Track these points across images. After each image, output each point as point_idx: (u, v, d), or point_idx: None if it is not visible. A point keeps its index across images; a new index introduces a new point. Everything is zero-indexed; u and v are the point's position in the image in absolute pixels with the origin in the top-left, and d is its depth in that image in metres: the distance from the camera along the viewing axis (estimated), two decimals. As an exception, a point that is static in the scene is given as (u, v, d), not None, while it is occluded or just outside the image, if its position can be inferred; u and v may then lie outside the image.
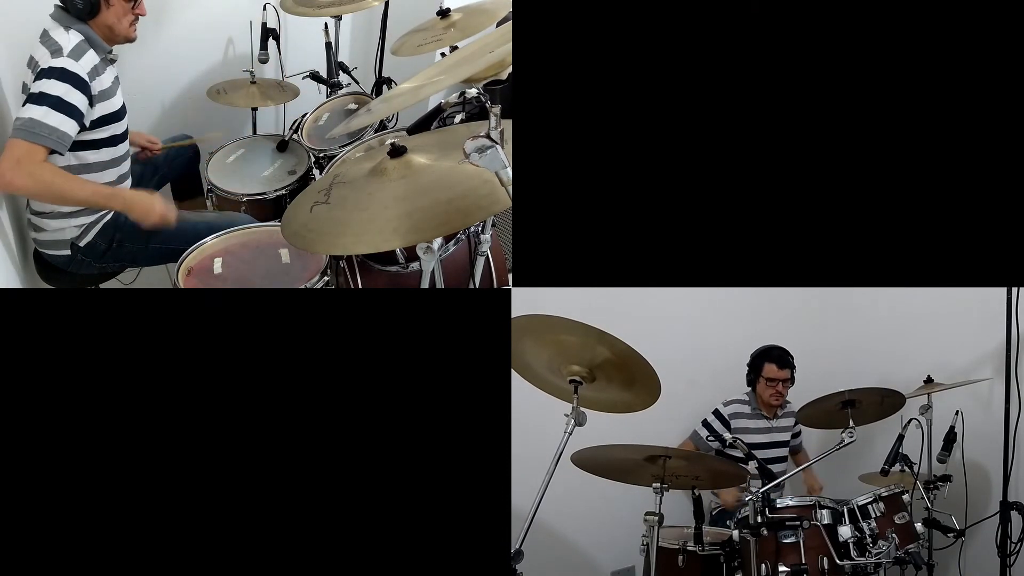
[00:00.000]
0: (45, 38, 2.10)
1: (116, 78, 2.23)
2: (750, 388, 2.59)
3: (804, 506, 1.92)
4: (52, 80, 2.00)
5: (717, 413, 2.54)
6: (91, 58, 2.10)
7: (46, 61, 2.03)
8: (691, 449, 2.46)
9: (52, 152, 2.01)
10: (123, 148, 2.30)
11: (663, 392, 1.64)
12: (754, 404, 2.55)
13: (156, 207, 2.16)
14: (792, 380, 2.53)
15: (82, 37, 2.10)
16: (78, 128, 2.05)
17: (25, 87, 2.11)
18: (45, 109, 1.98)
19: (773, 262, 1.30)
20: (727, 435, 2.40)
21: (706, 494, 2.44)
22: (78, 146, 2.12)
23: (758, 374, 2.54)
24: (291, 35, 3.04)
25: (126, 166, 2.34)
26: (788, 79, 1.27)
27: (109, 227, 2.30)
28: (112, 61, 2.22)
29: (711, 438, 2.49)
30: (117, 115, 2.21)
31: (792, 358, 2.51)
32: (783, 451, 2.55)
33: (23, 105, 2.01)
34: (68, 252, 2.30)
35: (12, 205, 2.34)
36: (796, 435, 2.61)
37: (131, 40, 2.25)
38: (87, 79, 2.06)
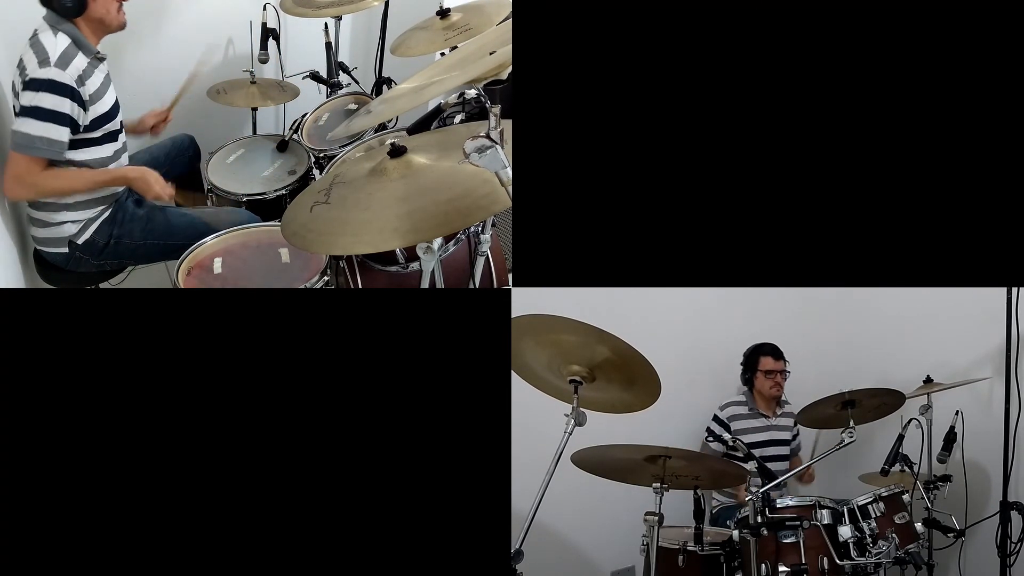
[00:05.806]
0: (34, 41, 2.11)
1: (107, 76, 2.24)
2: (746, 387, 2.60)
3: (804, 506, 1.92)
4: (43, 92, 2.06)
5: (716, 418, 2.55)
6: (79, 63, 2.11)
7: (34, 70, 2.06)
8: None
9: (51, 162, 2.12)
10: (120, 142, 2.32)
11: (663, 392, 1.64)
12: (751, 403, 2.56)
13: (152, 182, 2.26)
14: (787, 372, 2.56)
15: (69, 41, 2.11)
16: (71, 133, 2.12)
17: (14, 87, 2.14)
18: (38, 122, 2.06)
19: (773, 262, 1.30)
20: (726, 435, 2.41)
21: (705, 494, 2.44)
22: (77, 145, 2.17)
23: (755, 370, 2.56)
24: (291, 35, 3.04)
25: (124, 159, 2.38)
26: (788, 80, 1.27)
27: (107, 224, 2.31)
28: (101, 59, 2.23)
29: (711, 439, 2.49)
30: (109, 114, 2.24)
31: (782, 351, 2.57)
32: (784, 450, 2.54)
33: (17, 117, 2.09)
34: (66, 250, 2.30)
35: (12, 205, 2.35)
36: (795, 436, 2.61)
37: (123, 26, 2.25)
38: (75, 86, 2.09)
